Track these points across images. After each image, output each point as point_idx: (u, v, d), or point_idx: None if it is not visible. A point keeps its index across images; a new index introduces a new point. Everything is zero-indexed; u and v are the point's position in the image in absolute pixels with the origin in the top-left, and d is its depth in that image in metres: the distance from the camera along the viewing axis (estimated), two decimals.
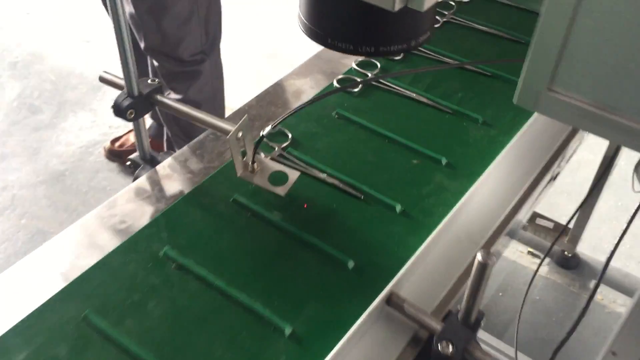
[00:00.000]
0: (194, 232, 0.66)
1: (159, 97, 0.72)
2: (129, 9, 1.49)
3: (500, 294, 1.75)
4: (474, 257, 0.50)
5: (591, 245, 1.86)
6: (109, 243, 0.66)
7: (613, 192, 2.01)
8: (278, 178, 0.70)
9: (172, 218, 0.68)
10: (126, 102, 0.69)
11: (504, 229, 0.70)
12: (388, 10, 0.43)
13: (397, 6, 0.43)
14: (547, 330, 1.67)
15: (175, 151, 1.70)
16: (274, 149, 0.76)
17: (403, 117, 0.83)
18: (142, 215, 0.69)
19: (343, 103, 0.85)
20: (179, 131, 1.69)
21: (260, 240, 0.66)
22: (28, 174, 2.01)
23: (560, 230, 1.73)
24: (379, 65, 0.93)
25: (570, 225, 1.75)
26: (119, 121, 1.39)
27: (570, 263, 1.78)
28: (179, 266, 0.63)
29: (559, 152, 0.79)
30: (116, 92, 0.71)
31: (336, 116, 0.84)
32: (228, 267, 0.63)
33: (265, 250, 0.65)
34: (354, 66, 0.93)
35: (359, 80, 0.89)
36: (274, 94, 0.90)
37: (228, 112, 1.84)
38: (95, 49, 2.56)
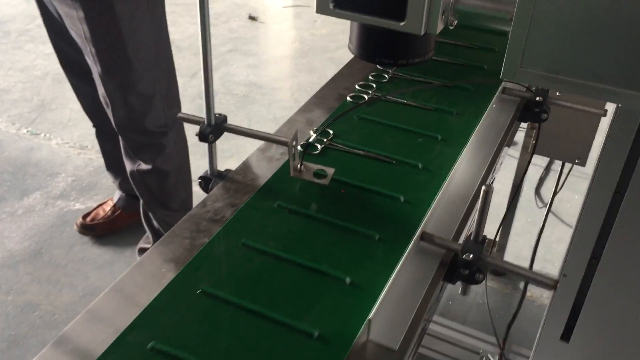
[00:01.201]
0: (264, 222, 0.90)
1: (227, 125, 0.98)
2: (100, 90, 1.73)
3: (450, 302, 2.06)
4: (480, 191, 0.80)
5: (514, 255, 2.22)
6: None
7: (522, 211, 2.42)
8: (319, 174, 0.98)
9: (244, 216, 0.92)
10: (208, 130, 0.95)
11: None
12: (416, 34, 0.73)
13: (422, 31, 0.74)
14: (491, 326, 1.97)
15: (150, 220, 1.91)
16: (318, 148, 1.05)
17: (404, 115, 1.16)
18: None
19: (358, 111, 1.16)
20: (154, 200, 1.90)
21: (312, 221, 0.92)
22: (4, 254, 2.11)
23: (491, 243, 2.09)
24: (374, 86, 1.25)
25: (497, 239, 2.11)
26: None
27: (500, 270, 2.13)
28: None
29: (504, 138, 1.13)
30: None
31: (357, 119, 1.15)
32: (297, 244, 0.87)
33: (318, 227, 0.90)
34: (357, 87, 1.26)
35: (366, 97, 1.21)
36: (296, 121, 1.19)
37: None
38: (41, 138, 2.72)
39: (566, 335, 1.13)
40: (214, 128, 0.95)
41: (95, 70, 1.67)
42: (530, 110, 1.19)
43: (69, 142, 2.72)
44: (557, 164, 2.68)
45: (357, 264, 0.84)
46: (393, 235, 0.88)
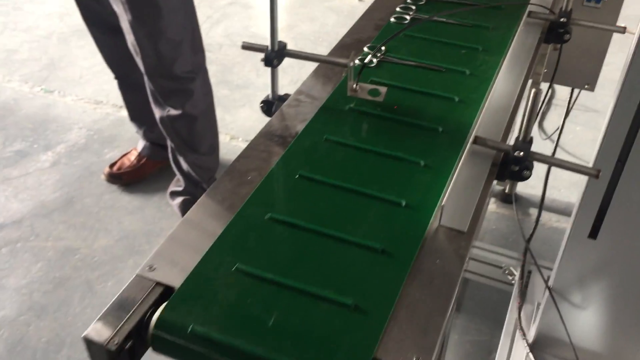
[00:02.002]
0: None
1: (288, 50, 1.07)
2: (129, 37, 1.80)
3: None
4: (529, 93, 0.90)
5: (523, 184, 2.35)
6: None
7: None
8: (374, 92, 1.07)
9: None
10: (272, 55, 1.03)
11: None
12: None
13: None
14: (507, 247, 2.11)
15: (180, 164, 2.00)
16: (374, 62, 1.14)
17: (446, 31, 1.27)
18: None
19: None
20: (183, 144, 1.98)
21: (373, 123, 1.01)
22: (37, 205, 2.20)
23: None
24: (414, 8, 1.36)
25: None
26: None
27: (510, 199, 2.26)
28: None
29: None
30: None
31: (403, 36, 1.24)
32: (370, 139, 0.97)
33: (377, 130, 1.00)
34: (398, 9, 1.35)
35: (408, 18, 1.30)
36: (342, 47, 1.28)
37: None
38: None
39: (594, 233, 1.25)
40: (277, 53, 1.04)
41: (126, 18, 1.73)
42: (553, 31, 1.29)
43: (83, 98, 2.78)
44: (558, 98, 2.80)
45: (424, 154, 0.94)
46: (452, 130, 0.99)
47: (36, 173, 2.35)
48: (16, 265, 1.98)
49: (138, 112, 2.22)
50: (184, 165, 2.02)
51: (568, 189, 2.33)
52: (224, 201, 0.91)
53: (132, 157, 2.32)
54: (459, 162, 0.93)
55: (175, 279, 0.77)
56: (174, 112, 1.92)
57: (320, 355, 0.67)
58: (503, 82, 1.15)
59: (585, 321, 1.35)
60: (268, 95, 1.11)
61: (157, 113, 1.95)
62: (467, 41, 1.22)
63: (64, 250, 2.04)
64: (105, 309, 0.74)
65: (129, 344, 0.72)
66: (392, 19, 1.32)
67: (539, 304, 1.59)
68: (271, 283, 0.76)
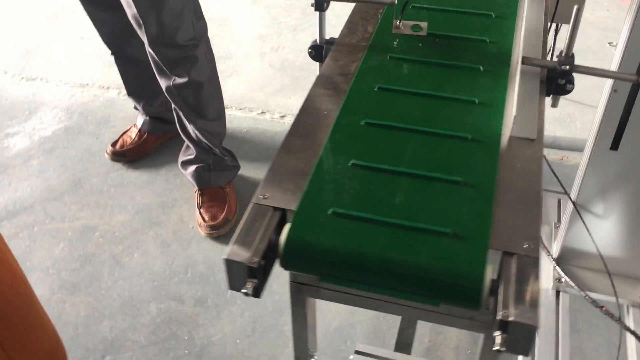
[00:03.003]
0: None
1: None
2: (130, 10, 1.82)
3: None
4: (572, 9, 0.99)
5: None
6: None
7: None
8: (416, 28, 1.15)
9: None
10: None
11: None
12: None
13: None
14: None
15: (189, 132, 2.03)
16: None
17: None
18: None
19: None
20: (191, 111, 2.02)
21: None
22: (45, 189, 2.20)
23: None
24: None
25: None
26: None
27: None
28: None
29: None
30: None
31: None
32: (420, 81, 1.05)
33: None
34: None
35: None
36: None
37: None
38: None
39: (615, 145, 1.36)
40: None
41: None
42: None
43: (68, 83, 2.75)
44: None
45: (477, 91, 1.02)
46: (495, 65, 1.07)
47: (38, 160, 2.34)
48: (37, 248, 1.99)
49: (137, 86, 2.23)
50: (193, 133, 2.06)
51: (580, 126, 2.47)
52: (308, 136, 0.97)
53: (133, 134, 2.34)
54: (511, 86, 1.02)
55: (290, 203, 0.84)
56: (180, 80, 1.94)
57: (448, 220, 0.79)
58: (528, 14, 1.24)
59: (609, 230, 1.48)
60: (316, 40, 1.17)
61: (164, 83, 1.97)
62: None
63: (82, 229, 2.06)
64: (235, 235, 0.80)
65: (263, 262, 0.79)
66: None
67: (556, 224, 1.71)
68: (387, 172, 0.87)
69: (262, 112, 2.59)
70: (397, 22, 1.14)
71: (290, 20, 3.20)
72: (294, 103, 2.63)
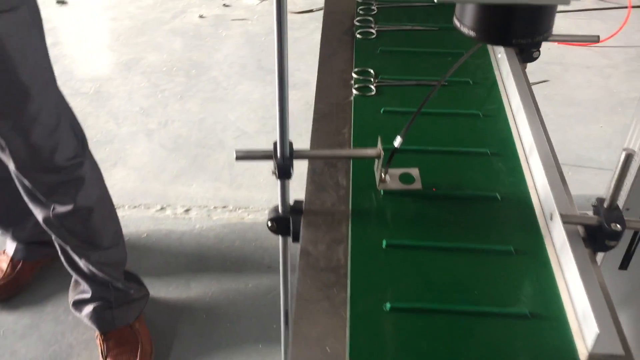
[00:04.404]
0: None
1: (299, 152, 0.81)
2: None
3: None
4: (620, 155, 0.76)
5: None
6: None
7: None
8: (406, 178, 0.87)
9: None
10: (288, 163, 0.77)
11: None
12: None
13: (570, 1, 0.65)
14: None
15: (81, 267, 1.61)
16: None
17: (417, 39, 1.27)
18: None
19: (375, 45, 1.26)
20: (82, 243, 1.60)
21: None
22: None
23: None
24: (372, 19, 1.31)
25: None
26: None
27: None
28: None
29: None
30: None
31: (380, 52, 1.23)
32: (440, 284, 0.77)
33: None
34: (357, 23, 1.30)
35: (374, 31, 1.10)
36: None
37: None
38: None
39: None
40: (288, 162, 0.79)
41: None
42: None
43: None
44: None
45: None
46: (524, 240, 0.81)
47: None
48: None
49: (1, 212, 1.77)
50: (86, 268, 1.64)
51: None
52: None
53: (3, 264, 1.87)
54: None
55: None
56: (62, 208, 1.53)
57: None
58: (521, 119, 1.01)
59: None
60: (277, 209, 0.85)
61: (40, 214, 1.55)
62: (445, 46, 1.21)
63: None
64: None
65: None
66: (358, 35, 1.26)
67: None
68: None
69: (162, 208, 2.20)
70: (383, 174, 0.85)
71: (175, 87, 2.82)
72: (198, 191, 2.26)
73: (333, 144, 0.95)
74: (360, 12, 1.34)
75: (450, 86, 1.12)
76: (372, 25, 1.29)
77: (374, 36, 1.26)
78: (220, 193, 2.26)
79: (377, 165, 0.84)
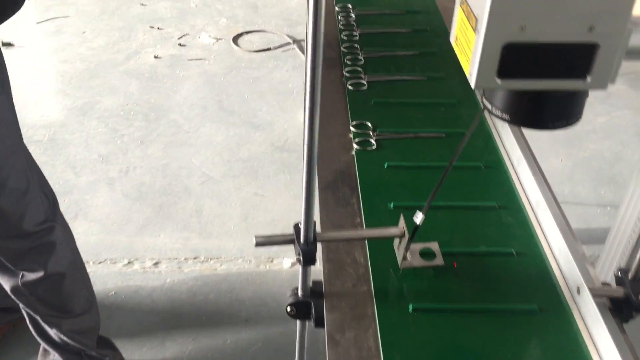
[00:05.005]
0: None
1: (323, 235, 0.77)
2: None
3: None
4: None
5: None
6: None
7: None
8: (427, 254, 0.84)
9: None
10: (313, 248, 0.73)
11: None
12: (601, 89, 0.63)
13: (608, 85, 0.65)
14: None
15: (51, 337, 1.51)
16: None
17: (406, 90, 1.29)
18: None
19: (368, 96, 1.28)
20: (52, 311, 1.50)
21: None
22: None
23: None
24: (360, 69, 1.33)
25: None
26: None
27: None
28: None
29: None
30: None
31: (373, 104, 1.24)
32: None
33: None
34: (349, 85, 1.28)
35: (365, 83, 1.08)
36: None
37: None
38: None
39: None
40: (314, 243, 0.75)
41: None
42: None
43: None
44: None
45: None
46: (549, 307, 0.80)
47: None
48: None
49: None
50: (57, 337, 1.54)
51: None
52: None
53: None
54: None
55: None
56: (32, 276, 1.43)
57: None
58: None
59: None
60: (296, 293, 0.81)
61: (7, 282, 1.45)
62: (436, 96, 1.24)
63: None
64: None
65: None
66: (349, 87, 1.26)
67: None
68: None
69: (129, 262, 2.10)
70: (405, 253, 0.82)
71: (134, 131, 2.73)
72: (166, 242, 2.18)
73: (344, 216, 0.92)
74: (348, 62, 1.33)
75: (448, 138, 1.12)
76: (362, 76, 1.28)
77: (365, 87, 1.25)
78: (190, 243, 2.18)
79: (399, 243, 0.81)
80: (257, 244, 0.75)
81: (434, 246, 0.85)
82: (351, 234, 0.82)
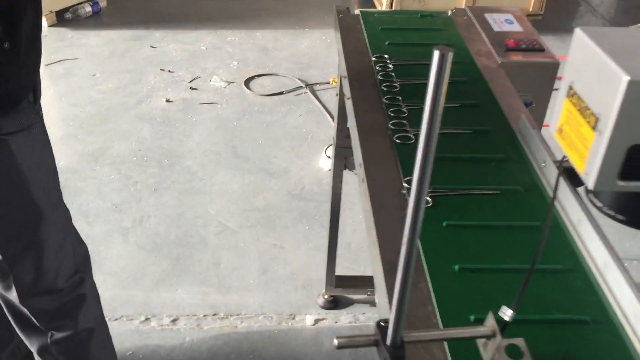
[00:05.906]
0: None
1: (411, 336, 0.71)
2: None
3: None
4: None
5: None
6: None
7: None
8: (514, 353, 0.78)
9: None
10: (400, 353, 0.67)
11: None
12: None
13: None
14: None
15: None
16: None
17: (451, 144, 1.05)
18: None
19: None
20: None
21: None
22: None
23: None
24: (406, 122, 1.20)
25: None
26: None
27: None
28: None
29: None
30: None
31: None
32: None
33: None
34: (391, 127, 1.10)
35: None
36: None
37: None
38: None
39: None
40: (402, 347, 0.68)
41: None
42: None
43: None
44: None
45: None
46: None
47: None
48: None
49: None
50: None
51: None
52: None
53: None
54: None
55: None
56: (61, 334, 1.38)
57: None
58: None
59: None
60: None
61: (35, 343, 1.38)
62: (483, 151, 1.18)
63: None
64: None
65: None
66: (397, 140, 1.20)
67: None
68: None
69: (147, 319, 2.02)
70: (492, 355, 0.76)
71: (147, 178, 2.68)
72: (184, 298, 2.10)
73: (413, 302, 0.86)
74: (391, 114, 1.29)
75: (504, 195, 1.06)
76: (408, 129, 1.24)
77: (412, 141, 1.20)
78: (209, 298, 2.11)
79: (486, 344, 0.75)
80: (339, 347, 0.69)
81: (520, 342, 0.79)
82: (439, 334, 0.76)
